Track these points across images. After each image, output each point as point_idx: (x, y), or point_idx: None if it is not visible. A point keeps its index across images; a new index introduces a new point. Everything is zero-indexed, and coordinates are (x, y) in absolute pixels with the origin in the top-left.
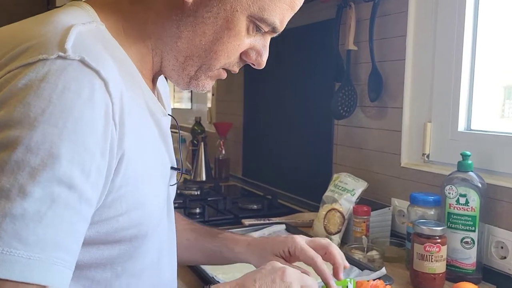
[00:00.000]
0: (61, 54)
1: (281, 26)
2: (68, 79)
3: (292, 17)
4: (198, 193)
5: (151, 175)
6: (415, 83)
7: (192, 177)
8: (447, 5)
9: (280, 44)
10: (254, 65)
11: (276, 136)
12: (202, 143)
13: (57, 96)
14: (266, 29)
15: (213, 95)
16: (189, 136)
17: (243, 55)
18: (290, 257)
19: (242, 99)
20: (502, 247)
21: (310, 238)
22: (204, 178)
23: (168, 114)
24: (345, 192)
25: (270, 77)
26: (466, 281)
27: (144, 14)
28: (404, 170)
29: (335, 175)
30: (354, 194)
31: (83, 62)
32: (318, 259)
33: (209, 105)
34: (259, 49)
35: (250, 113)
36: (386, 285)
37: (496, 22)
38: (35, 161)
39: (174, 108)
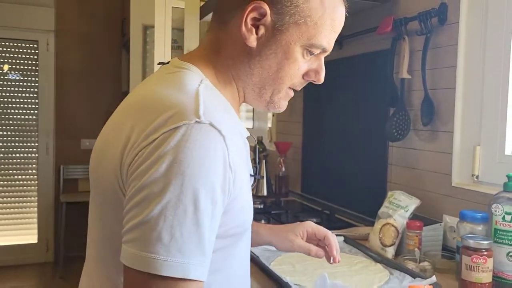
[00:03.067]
0: (197, 120)
1: (329, 46)
2: (203, 138)
3: (351, 46)
4: (262, 206)
5: (247, 185)
6: (465, 109)
7: (254, 192)
8: (494, 39)
9: (339, 71)
10: (315, 81)
11: (333, 156)
12: (264, 161)
13: (196, 152)
14: (318, 52)
15: (273, 115)
16: (251, 154)
17: (304, 76)
18: (306, 237)
19: (301, 120)
20: None
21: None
22: (265, 193)
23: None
24: (399, 208)
25: (328, 101)
26: None
27: (225, 62)
28: (454, 189)
29: (389, 193)
30: (407, 210)
31: (211, 124)
32: (329, 233)
33: (269, 125)
34: (316, 68)
35: (309, 133)
36: None
37: None
38: (185, 200)
39: None
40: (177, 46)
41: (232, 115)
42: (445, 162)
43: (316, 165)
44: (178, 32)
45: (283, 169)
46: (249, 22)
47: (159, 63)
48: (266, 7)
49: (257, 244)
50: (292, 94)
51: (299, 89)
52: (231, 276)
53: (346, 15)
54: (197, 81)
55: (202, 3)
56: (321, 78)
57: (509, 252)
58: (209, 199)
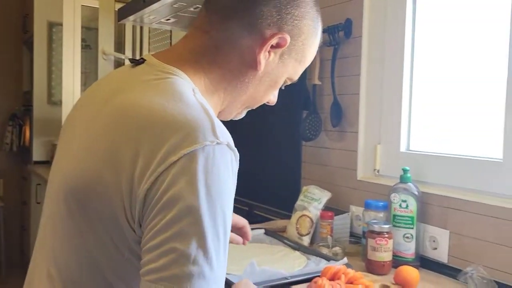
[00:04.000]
0: (217, 141)
1: None
2: (225, 160)
3: None
4: None
5: None
6: (368, 113)
7: None
8: (391, 53)
9: None
10: (269, 103)
11: (251, 155)
12: None
13: (222, 176)
14: (289, 83)
15: None
16: None
17: None
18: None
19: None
20: (434, 241)
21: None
22: None
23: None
24: (313, 201)
25: None
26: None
27: (219, 73)
28: (360, 183)
29: (304, 187)
30: (320, 203)
31: (228, 146)
32: (246, 221)
33: None
34: (276, 92)
35: None
36: (347, 268)
37: (430, 70)
38: (219, 229)
39: None
40: (85, 45)
41: None
42: (351, 159)
43: None
44: (86, 31)
45: None
46: (267, 49)
47: (131, 60)
48: (288, 40)
49: None
50: None
51: None
52: None
53: None
54: (190, 90)
55: (118, 5)
56: (275, 101)
57: (405, 234)
58: (228, 222)
